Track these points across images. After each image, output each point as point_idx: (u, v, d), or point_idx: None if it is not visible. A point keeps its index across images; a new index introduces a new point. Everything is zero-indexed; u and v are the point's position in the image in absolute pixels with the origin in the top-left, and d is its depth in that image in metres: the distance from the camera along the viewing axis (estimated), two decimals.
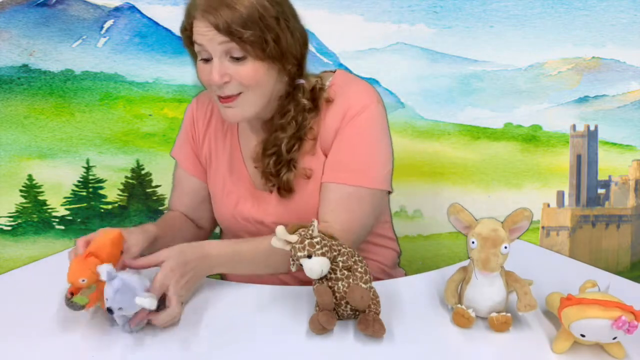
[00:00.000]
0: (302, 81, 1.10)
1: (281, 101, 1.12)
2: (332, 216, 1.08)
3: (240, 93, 1.05)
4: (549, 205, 1.88)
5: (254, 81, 1.03)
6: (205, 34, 1.00)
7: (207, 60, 1.04)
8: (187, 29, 1.06)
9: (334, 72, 1.18)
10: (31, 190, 1.83)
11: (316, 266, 0.91)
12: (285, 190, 1.13)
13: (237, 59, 1.02)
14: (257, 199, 1.19)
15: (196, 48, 1.05)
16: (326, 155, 1.12)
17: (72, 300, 0.92)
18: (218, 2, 0.99)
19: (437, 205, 1.83)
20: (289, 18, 1.05)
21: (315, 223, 0.93)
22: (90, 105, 1.79)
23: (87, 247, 0.94)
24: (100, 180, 1.84)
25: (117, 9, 1.76)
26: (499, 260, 0.90)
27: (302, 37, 1.08)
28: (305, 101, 1.10)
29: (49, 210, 1.84)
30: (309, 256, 0.90)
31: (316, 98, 1.12)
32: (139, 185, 1.83)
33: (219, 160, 1.24)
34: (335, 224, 1.07)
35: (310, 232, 0.92)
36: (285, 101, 1.11)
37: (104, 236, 0.96)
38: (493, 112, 1.83)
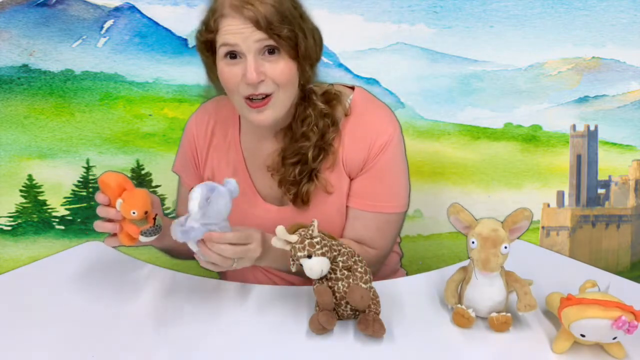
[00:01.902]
0: (310, 86, 1.10)
1: (297, 108, 1.11)
2: (371, 242, 1.15)
3: (271, 94, 1.03)
4: (549, 205, 1.88)
5: (287, 79, 1.02)
6: (241, 32, 0.98)
7: (234, 59, 1.01)
8: (212, 30, 1.02)
9: (352, 88, 1.17)
10: (31, 190, 1.83)
11: (316, 266, 0.91)
12: (302, 201, 1.12)
13: (272, 55, 1.01)
14: (265, 212, 1.17)
15: (223, 49, 1.01)
16: (350, 177, 1.13)
17: (155, 221, 0.98)
18: None
19: (437, 205, 1.83)
20: (308, 20, 1.05)
21: (316, 223, 0.93)
22: (90, 105, 1.79)
23: (121, 187, 0.98)
24: None
25: (117, 9, 1.76)
26: (499, 260, 0.91)
27: (320, 40, 1.08)
28: (321, 105, 1.10)
29: (49, 210, 1.84)
30: (309, 256, 0.90)
31: (330, 100, 1.11)
32: (139, 185, 1.83)
33: (223, 175, 1.21)
34: (372, 250, 1.15)
35: (310, 232, 0.92)
36: (301, 107, 1.10)
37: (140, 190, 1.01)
38: (493, 112, 1.83)
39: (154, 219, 0.99)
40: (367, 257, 1.00)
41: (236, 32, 0.99)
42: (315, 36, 1.06)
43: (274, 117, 1.07)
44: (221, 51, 1.02)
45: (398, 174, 1.16)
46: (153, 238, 1.00)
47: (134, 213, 0.96)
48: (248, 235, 0.97)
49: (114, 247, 1.04)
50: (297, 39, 1.01)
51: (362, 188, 1.13)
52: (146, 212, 0.98)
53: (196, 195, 0.91)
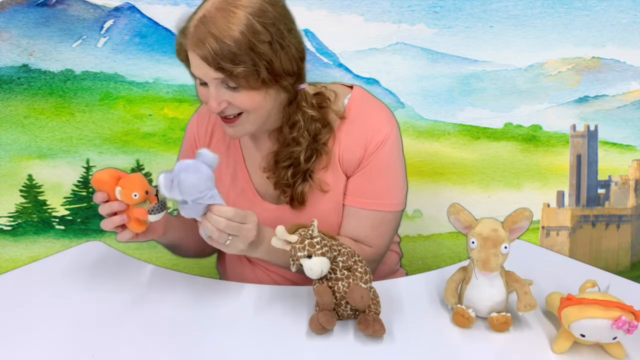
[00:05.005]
0: (303, 86, 1.08)
1: (286, 110, 1.09)
2: (367, 240, 1.15)
3: (240, 113, 1.04)
4: (549, 205, 1.88)
5: (251, 107, 1.02)
6: (199, 67, 0.99)
7: (204, 84, 1.03)
8: (182, 54, 1.04)
9: (351, 87, 1.17)
10: (31, 190, 1.83)
11: (316, 266, 0.91)
12: (298, 202, 1.12)
13: (232, 88, 1.00)
14: (264, 211, 1.17)
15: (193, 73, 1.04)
16: (346, 175, 1.13)
17: (158, 197, 0.98)
18: (205, 33, 0.96)
19: (437, 205, 1.83)
20: (284, 36, 1.00)
21: (316, 223, 0.93)
22: (90, 105, 1.79)
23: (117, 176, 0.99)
24: None
25: (117, 9, 1.76)
26: (499, 260, 0.91)
27: (298, 52, 1.03)
28: (311, 112, 1.08)
29: (49, 210, 1.84)
30: (309, 256, 0.91)
31: (321, 103, 1.11)
32: None
33: (222, 174, 1.22)
34: (368, 248, 1.15)
35: (310, 232, 0.93)
36: (290, 109, 1.09)
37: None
38: (493, 112, 1.83)
39: (156, 195, 1.00)
40: (364, 255, 1.00)
41: (197, 66, 1.00)
42: (290, 53, 1.01)
43: (246, 132, 1.09)
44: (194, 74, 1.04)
45: (394, 172, 1.16)
46: (162, 214, 0.99)
47: (135, 195, 0.97)
48: (245, 215, 0.98)
49: (127, 241, 1.03)
50: (258, 72, 0.98)
51: (357, 186, 1.13)
52: (147, 192, 0.99)
53: (160, 182, 0.91)
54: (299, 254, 0.91)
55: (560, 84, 1.81)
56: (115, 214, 1.00)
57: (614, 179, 1.88)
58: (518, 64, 1.79)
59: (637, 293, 0.96)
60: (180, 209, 0.95)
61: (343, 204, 1.15)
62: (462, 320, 0.94)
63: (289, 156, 1.11)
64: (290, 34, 1.01)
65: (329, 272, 0.94)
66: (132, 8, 1.76)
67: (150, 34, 1.76)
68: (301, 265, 0.91)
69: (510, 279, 0.95)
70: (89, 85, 1.78)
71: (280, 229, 0.93)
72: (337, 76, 1.74)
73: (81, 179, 1.83)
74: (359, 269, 0.95)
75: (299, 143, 1.09)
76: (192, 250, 1.25)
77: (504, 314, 0.93)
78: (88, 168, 1.82)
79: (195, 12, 1.00)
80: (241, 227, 0.97)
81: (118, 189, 0.98)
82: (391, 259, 1.31)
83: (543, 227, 1.89)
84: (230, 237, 0.97)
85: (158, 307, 1.03)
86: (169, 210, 1.01)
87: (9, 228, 1.84)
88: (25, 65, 1.75)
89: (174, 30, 1.05)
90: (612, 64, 1.79)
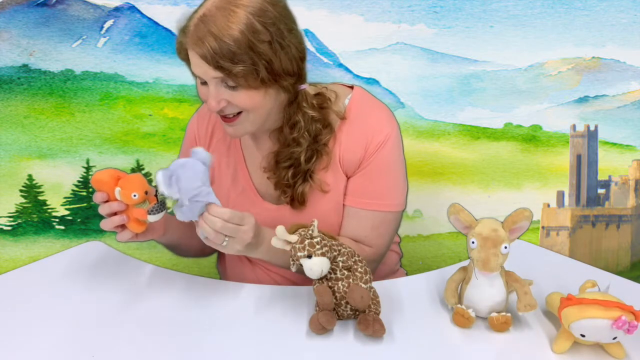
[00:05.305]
0: (304, 86, 1.07)
1: (287, 111, 1.09)
2: (367, 240, 1.15)
3: (240, 112, 1.04)
4: (549, 205, 1.88)
5: (250, 106, 1.02)
6: (199, 66, 0.99)
7: (204, 83, 1.03)
8: (182, 52, 1.04)
9: (351, 87, 1.17)
10: (31, 190, 1.83)
11: (316, 266, 0.91)
12: (298, 202, 1.12)
13: (232, 87, 1.00)
14: (264, 211, 1.17)
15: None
16: (347, 176, 1.13)
17: (158, 197, 0.98)
18: (205, 32, 0.96)
19: (437, 205, 1.83)
20: (284, 35, 0.99)
21: (316, 223, 0.93)
22: (90, 105, 1.79)
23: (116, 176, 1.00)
24: None
25: (117, 9, 1.76)
26: (499, 260, 0.91)
27: (298, 52, 1.03)
28: (312, 112, 1.08)
29: (49, 210, 1.84)
30: (309, 256, 0.91)
31: (322, 104, 1.11)
32: None
33: (222, 174, 1.22)
34: (368, 248, 1.15)
35: (310, 232, 0.93)
36: (290, 110, 1.09)
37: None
38: (493, 112, 1.83)
39: (156, 195, 1.00)
40: (364, 255, 1.00)
41: (196, 65, 1.00)
42: (290, 53, 1.01)
43: (245, 132, 1.09)
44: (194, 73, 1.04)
45: (394, 172, 1.16)
46: (161, 215, 0.99)
47: (134, 196, 0.97)
48: (242, 217, 0.98)
49: (127, 241, 1.03)
50: (257, 72, 0.97)
51: (358, 186, 1.13)
52: (146, 192, 0.99)
53: (159, 179, 0.92)
54: (299, 254, 0.91)
55: (560, 84, 1.81)
56: (115, 214, 1.00)
57: (614, 179, 1.88)
58: (518, 64, 1.79)
59: (637, 293, 0.96)
60: (177, 213, 0.95)
61: (343, 204, 1.15)
62: (462, 320, 0.94)
63: (290, 156, 1.11)
64: (290, 33, 1.01)
65: (329, 272, 0.94)
66: (132, 8, 1.76)
67: (150, 34, 1.76)
68: (301, 265, 0.92)
69: (510, 279, 0.95)
70: (89, 85, 1.78)
71: (280, 229, 0.93)
72: (337, 76, 1.74)
73: (81, 179, 1.83)
74: (359, 269, 0.95)
75: (300, 143, 1.09)
76: (192, 250, 1.25)
77: (504, 314, 0.93)
78: (88, 168, 1.82)
79: (196, 11, 1.00)
80: (238, 228, 0.97)
81: (117, 189, 0.98)
82: (391, 259, 1.31)
83: (543, 227, 1.89)
84: (226, 239, 0.97)
85: (158, 307, 1.03)
86: (168, 211, 1.01)
87: (9, 228, 1.84)
88: (25, 65, 1.75)
89: (174, 29, 1.06)
90: (612, 64, 1.79)
